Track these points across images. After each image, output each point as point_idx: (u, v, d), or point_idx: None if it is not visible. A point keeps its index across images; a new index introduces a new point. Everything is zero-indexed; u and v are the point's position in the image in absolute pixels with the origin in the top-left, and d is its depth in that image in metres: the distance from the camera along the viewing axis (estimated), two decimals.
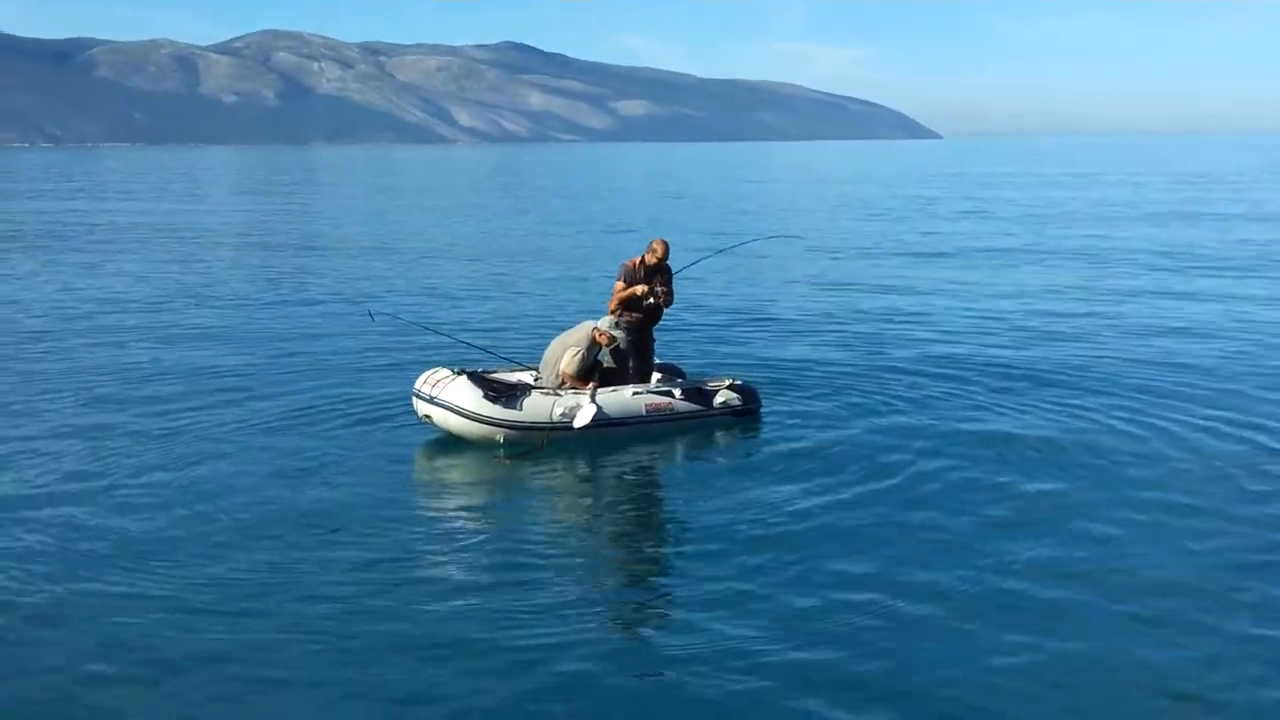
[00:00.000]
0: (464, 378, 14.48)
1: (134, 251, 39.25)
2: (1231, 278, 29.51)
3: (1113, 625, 9.11)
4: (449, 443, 14.52)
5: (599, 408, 14.42)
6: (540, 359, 15.37)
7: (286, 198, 77.47)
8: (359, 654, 8.70)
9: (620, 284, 15.36)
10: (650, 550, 11.40)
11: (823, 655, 8.62)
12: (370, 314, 18.74)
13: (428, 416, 14.56)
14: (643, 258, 15.42)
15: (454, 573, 10.37)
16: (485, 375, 14.99)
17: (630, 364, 15.49)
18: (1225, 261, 33.12)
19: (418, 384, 14.78)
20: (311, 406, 16.39)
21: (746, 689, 8.15)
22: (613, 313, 15.28)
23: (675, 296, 15.82)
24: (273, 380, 18.31)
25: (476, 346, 16.86)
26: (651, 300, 15.23)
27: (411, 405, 14.86)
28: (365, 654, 8.69)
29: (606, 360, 15.49)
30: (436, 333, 17.92)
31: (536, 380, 15.09)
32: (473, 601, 9.65)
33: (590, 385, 14.71)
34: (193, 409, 16.26)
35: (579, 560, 10.86)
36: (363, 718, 7.92)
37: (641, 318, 15.39)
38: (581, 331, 15.06)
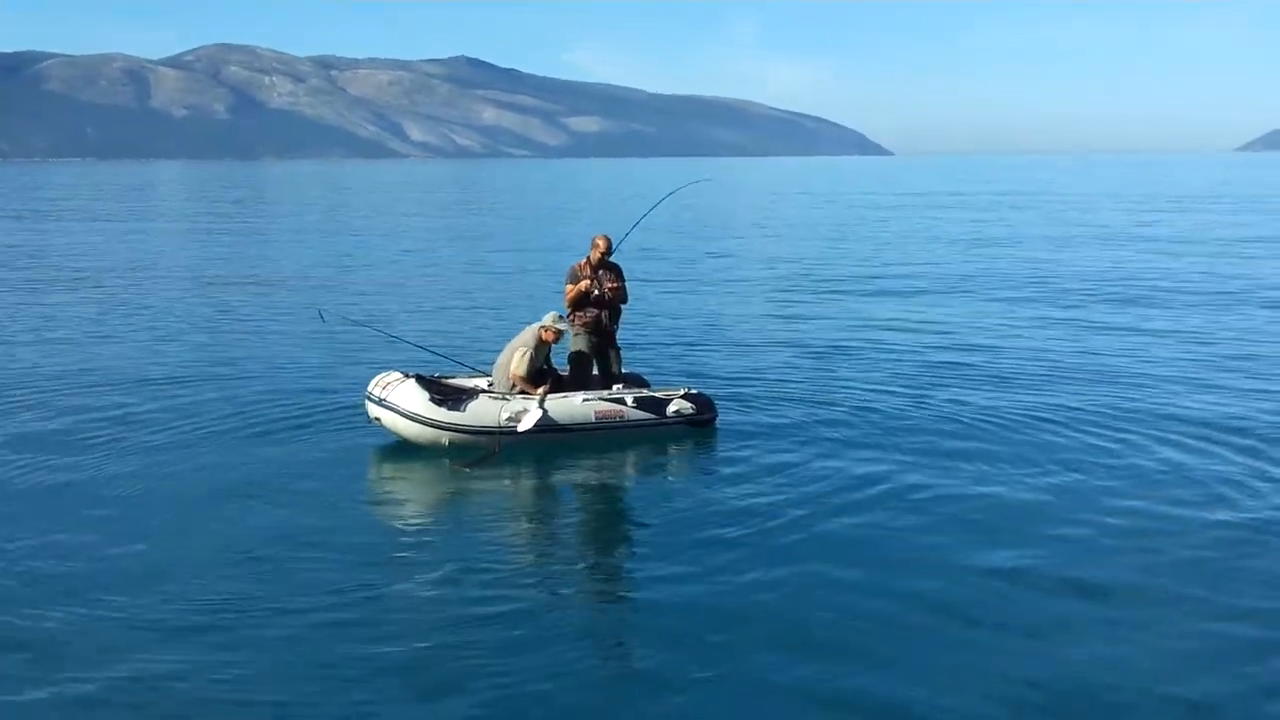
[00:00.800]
0: (412, 381, 14.41)
1: (83, 269, 38.71)
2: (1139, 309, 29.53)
3: (1072, 628, 9.02)
4: (401, 447, 14.36)
5: (545, 412, 14.22)
6: (494, 366, 15.18)
7: (238, 214, 76.88)
8: (310, 669, 8.43)
9: (569, 285, 15.26)
10: (599, 558, 11.21)
11: (773, 662, 8.48)
12: (320, 314, 18.66)
13: (378, 419, 14.44)
14: (588, 257, 15.38)
15: (404, 582, 10.10)
16: (438, 380, 14.89)
17: (592, 369, 15.39)
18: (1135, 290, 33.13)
19: (369, 386, 14.68)
20: (262, 410, 16.23)
21: (698, 696, 8.01)
22: (569, 316, 15.09)
23: (630, 295, 15.77)
24: (225, 385, 18.09)
25: (429, 350, 16.62)
26: (595, 292, 15.15)
27: (364, 408, 14.70)
28: (317, 669, 8.42)
29: (565, 367, 15.37)
30: (389, 336, 17.81)
31: (490, 387, 14.89)
32: (424, 612, 9.44)
33: (540, 389, 14.48)
34: (142, 418, 15.92)
35: (527, 568, 10.66)
36: None
37: (597, 316, 15.23)
38: (529, 333, 14.86)
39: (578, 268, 15.36)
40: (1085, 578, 10.07)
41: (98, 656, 8.68)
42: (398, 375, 14.60)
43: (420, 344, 17.14)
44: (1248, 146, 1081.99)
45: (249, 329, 23.67)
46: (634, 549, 11.30)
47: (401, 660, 8.53)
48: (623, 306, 15.65)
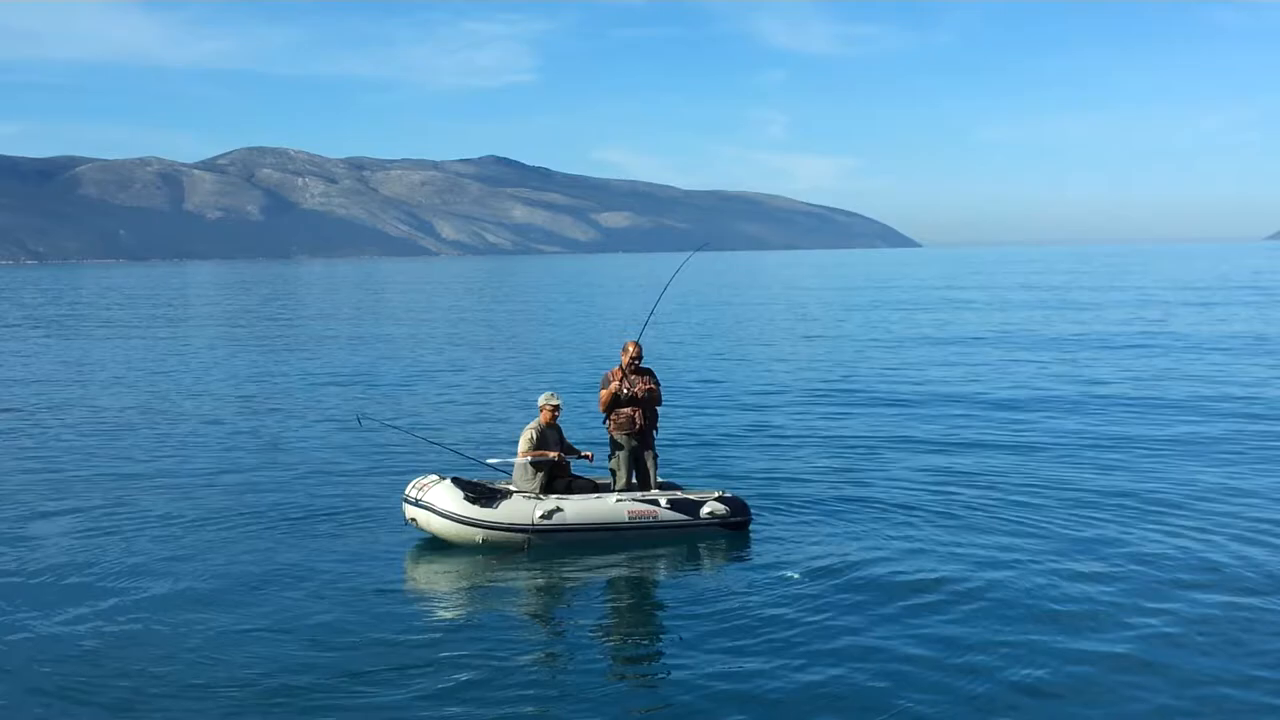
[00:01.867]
0: (448, 482, 14.80)
1: (120, 373, 39.09)
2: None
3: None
4: (435, 546, 14.76)
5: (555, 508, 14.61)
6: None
7: (275, 315, 77.41)
8: None
9: (603, 391, 15.50)
10: (630, 655, 11.36)
11: None
12: (359, 419, 19.11)
13: (414, 519, 14.84)
14: (620, 364, 15.55)
15: (435, 676, 10.33)
16: (474, 483, 15.13)
17: (628, 474, 15.57)
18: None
19: (407, 489, 15.07)
20: (301, 509, 16.78)
21: None
22: (605, 421, 15.49)
23: (664, 397, 16.04)
24: (264, 485, 18.63)
25: (464, 455, 16.96)
26: (625, 391, 15.38)
27: (401, 510, 15.05)
28: None
29: (607, 477, 15.66)
30: (426, 440, 18.06)
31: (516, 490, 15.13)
32: (446, 703, 9.67)
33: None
34: (182, 513, 16.61)
35: (551, 662, 10.93)
36: None
37: (631, 416, 15.40)
38: (528, 427, 15.27)
39: (610, 374, 15.60)
40: (1170, 665, 10.27)
41: None
42: (434, 477, 14.98)
43: (456, 449, 17.40)
44: (1275, 235, 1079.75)
45: (287, 433, 23.99)
46: (662, 648, 11.42)
47: None
48: (659, 409, 15.85)
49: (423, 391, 30.73)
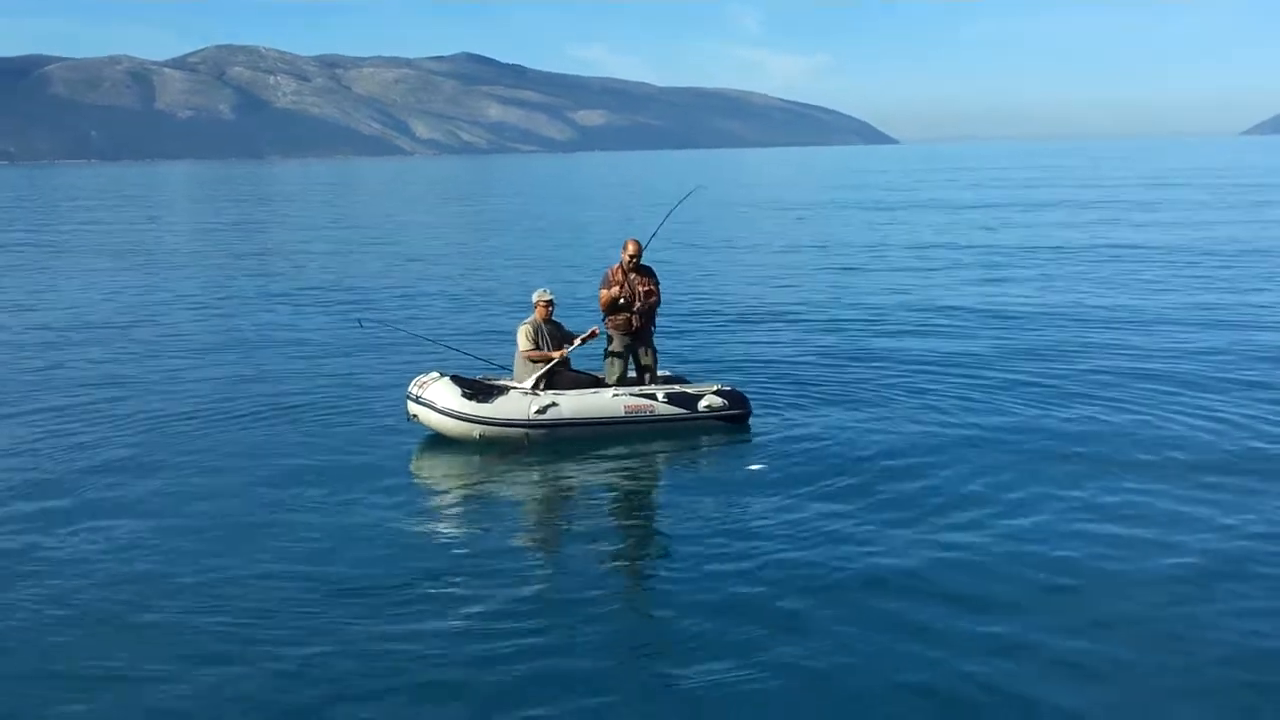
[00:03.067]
0: (446, 379, 15.09)
1: (113, 268, 39.24)
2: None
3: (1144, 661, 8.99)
4: (437, 442, 15.04)
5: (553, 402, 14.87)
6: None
7: (262, 215, 76.93)
8: (346, 660, 8.86)
9: (603, 291, 15.73)
10: (620, 554, 11.54)
11: (810, 663, 8.72)
12: (360, 322, 19.27)
13: (415, 415, 15.14)
14: (620, 263, 15.78)
15: (433, 577, 10.54)
16: (477, 380, 15.46)
17: (623, 370, 15.84)
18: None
19: (410, 386, 15.37)
20: (305, 406, 17.15)
21: (728, 693, 8.29)
22: (604, 320, 15.67)
23: (663, 296, 16.16)
24: (266, 382, 18.99)
25: (464, 353, 17.24)
26: (624, 299, 15.58)
27: (405, 406, 15.33)
28: (351, 659, 8.85)
29: (602, 371, 15.88)
30: (428, 340, 18.33)
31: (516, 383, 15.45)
32: (452, 605, 9.87)
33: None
34: (185, 412, 16.93)
35: (555, 561, 11.18)
36: None
37: (628, 319, 15.66)
38: (524, 322, 15.58)
39: (611, 273, 15.83)
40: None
41: (140, 639, 9.31)
42: (435, 374, 15.30)
43: (456, 347, 17.74)
44: (1253, 130, 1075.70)
45: (290, 336, 24.14)
46: (654, 545, 11.69)
47: (416, 653, 8.91)
48: (658, 309, 16.08)
49: (421, 294, 30.88)
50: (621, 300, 15.63)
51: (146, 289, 33.07)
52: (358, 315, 20.88)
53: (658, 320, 16.32)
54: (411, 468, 14.40)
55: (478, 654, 8.85)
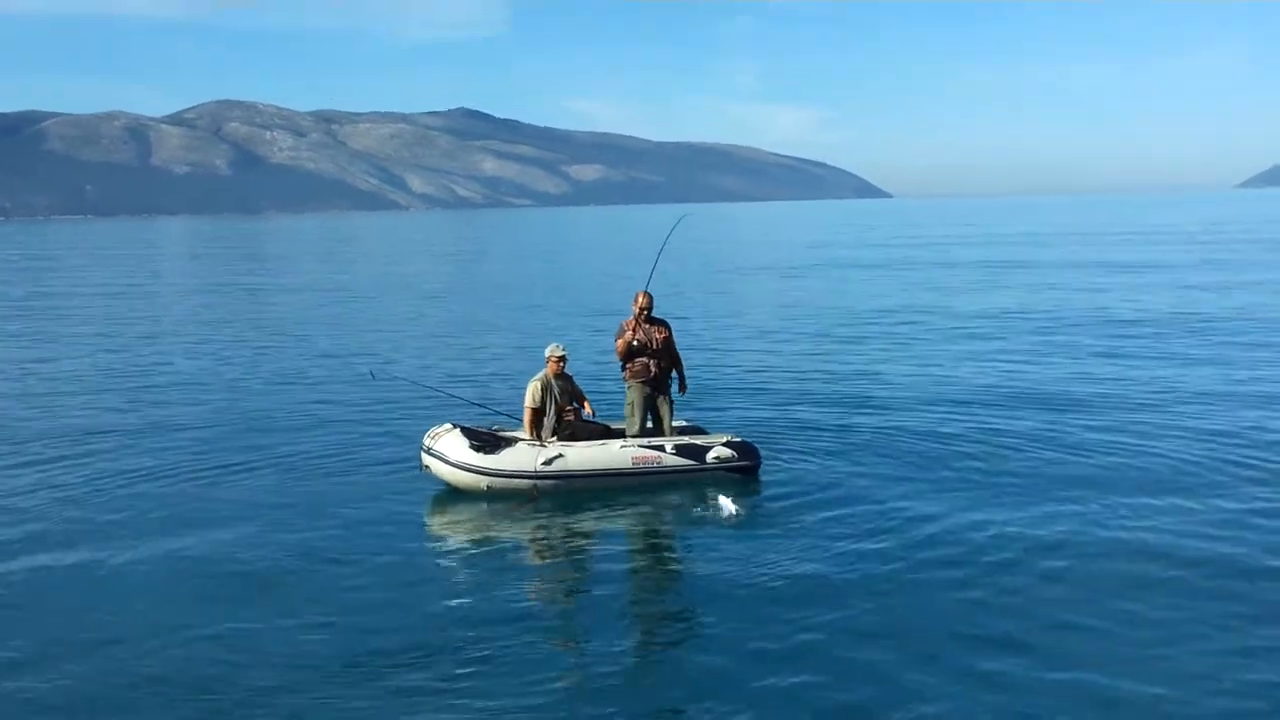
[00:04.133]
0: (457, 431, 15.05)
1: (112, 327, 39.00)
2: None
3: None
4: (449, 494, 14.94)
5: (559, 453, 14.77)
6: None
7: (260, 271, 77.12)
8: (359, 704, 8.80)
9: (618, 341, 15.71)
10: (637, 600, 11.43)
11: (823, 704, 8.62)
12: (371, 374, 19.39)
13: (427, 467, 15.10)
14: (633, 315, 15.74)
15: (441, 629, 10.40)
16: (491, 431, 15.46)
17: (642, 420, 15.73)
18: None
19: (424, 438, 15.35)
20: (318, 458, 17.12)
21: None
22: (623, 370, 15.72)
23: (680, 345, 16.15)
24: (279, 435, 18.94)
25: (478, 404, 17.31)
26: (636, 342, 15.52)
27: (419, 458, 15.34)
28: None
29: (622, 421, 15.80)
30: (440, 392, 18.45)
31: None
32: (461, 659, 9.71)
33: (536, 429, 15.21)
34: (191, 465, 16.83)
35: (551, 609, 11.03)
36: None
37: (646, 364, 15.60)
38: (534, 378, 15.48)
39: (624, 324, 15.76)
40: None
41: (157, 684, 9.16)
42: (448, 426, 15.25)
43: (472, 399, 17.74)
44: (1248, 183, 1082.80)
45: (300, 388, 24.12)
46: (662, 595, 11.49)
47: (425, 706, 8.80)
48: (680, 360, 16.02)
49: (430, 346, 30.84)
50: (635, 343, 15.54)
51: (152, 343, 32.83)
52: (369, 368, 20.83)
53: (688, 381, 16.35)
54: (424, 520, 14.22)
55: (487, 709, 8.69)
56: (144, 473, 16.29)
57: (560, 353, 15.53)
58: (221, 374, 26.33)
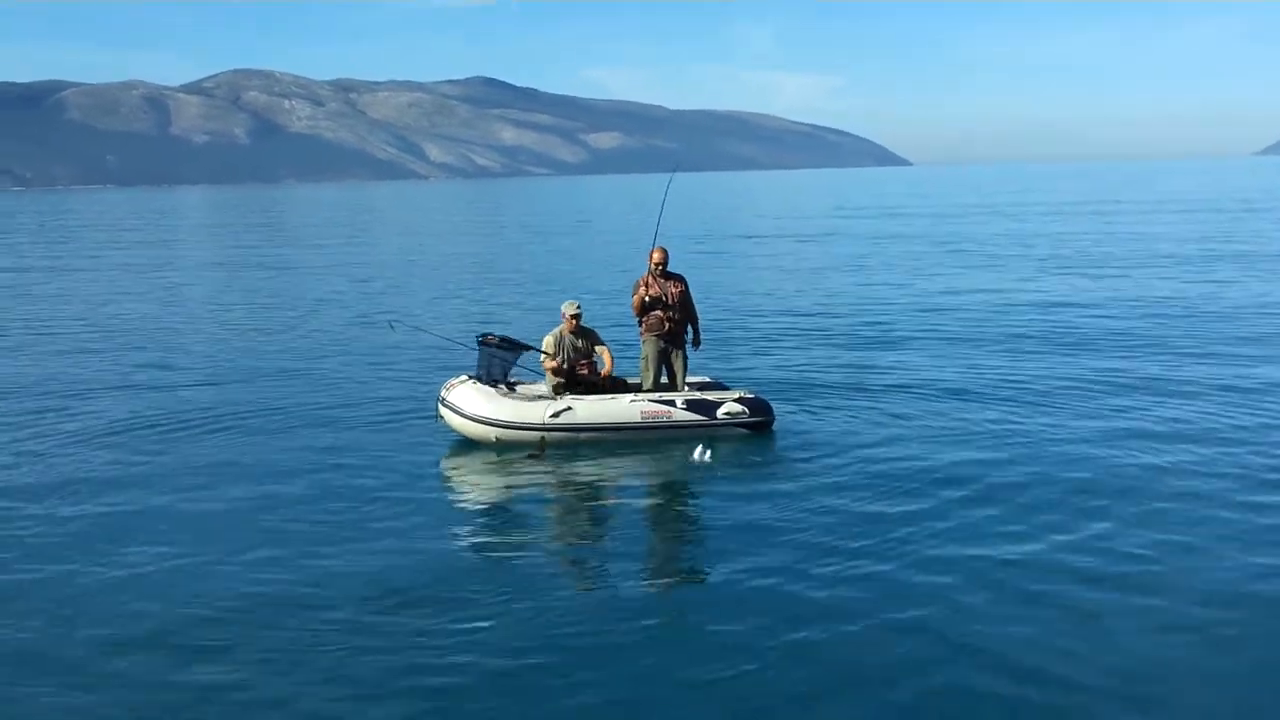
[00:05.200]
0: (471, 382, 15.31)
1: (143, 282, 39.24)
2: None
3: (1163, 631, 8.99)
4: (466, 444, 15.18)
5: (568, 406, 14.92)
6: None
7: (283, 238, 77.17)
8: (369, 650, 8.86)
9: (634, 296, 15.80)
10: (646, 554, 11.47)
11: (833, 660, 8.60)
12: (391, 324, 19.66)
13: (442, 417, 15.36)
14: (649, 270, 15.83)
15: (452, 579, 10.42)
16: (496, 383, 15.58)
17: (656, 375, 15.84)
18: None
19: (441, 389, 15.63)
20: (337, 407, 17.61)
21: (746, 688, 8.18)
22: (640, 325, 15.85)
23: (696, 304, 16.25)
24: (301, 386, 19.51)
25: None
26: (650, 297, 15.63)
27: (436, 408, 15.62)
28: (377, 661, 8.75)
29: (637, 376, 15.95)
30: (457, 343, 18.44)
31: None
32: (470, 608, 9.73)
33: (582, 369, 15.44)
34: (223, 414, 17.31)
35: (563, 560, 11.07)
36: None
37: (661, 319, 15.67)
38: (551, 333, 15.67)
39: (641, 279, 15.84)
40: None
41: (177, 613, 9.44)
42: (464, 377, 15.50)
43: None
44: (1270, 150, 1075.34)
45: (321, 341, 24.72)
46: (664, 557, 11.47)
47: (438, 656, 8.79)
48: (694, 317, 16.10)
49: (451, 299, 31.53)
50: (648, 299, 15.62)
51: (178, 300, 33.60)
52: (389, 319, 21.12)
53: (704, 338, 16.46)
54: (435, 470, 14.37)
55: (501, 658, 8.72)
56: (152, 426, 16.57)
57: (574, 310, 15.62)
58: (245, 331, 26.85)
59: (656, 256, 15.80)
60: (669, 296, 15.67)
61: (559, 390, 15.33)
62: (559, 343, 15.50)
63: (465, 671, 8.47)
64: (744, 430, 15.21)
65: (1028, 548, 10.83)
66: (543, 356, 15.52)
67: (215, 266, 48.87)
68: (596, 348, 15.80)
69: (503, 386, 15.56)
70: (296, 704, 8.09)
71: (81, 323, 28.72)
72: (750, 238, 58.75)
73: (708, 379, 16.37)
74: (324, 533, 11.67)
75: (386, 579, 10.32)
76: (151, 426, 16.49)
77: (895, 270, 38.35)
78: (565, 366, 15.44)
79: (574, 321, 15.59)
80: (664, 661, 8.60)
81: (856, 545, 10.95)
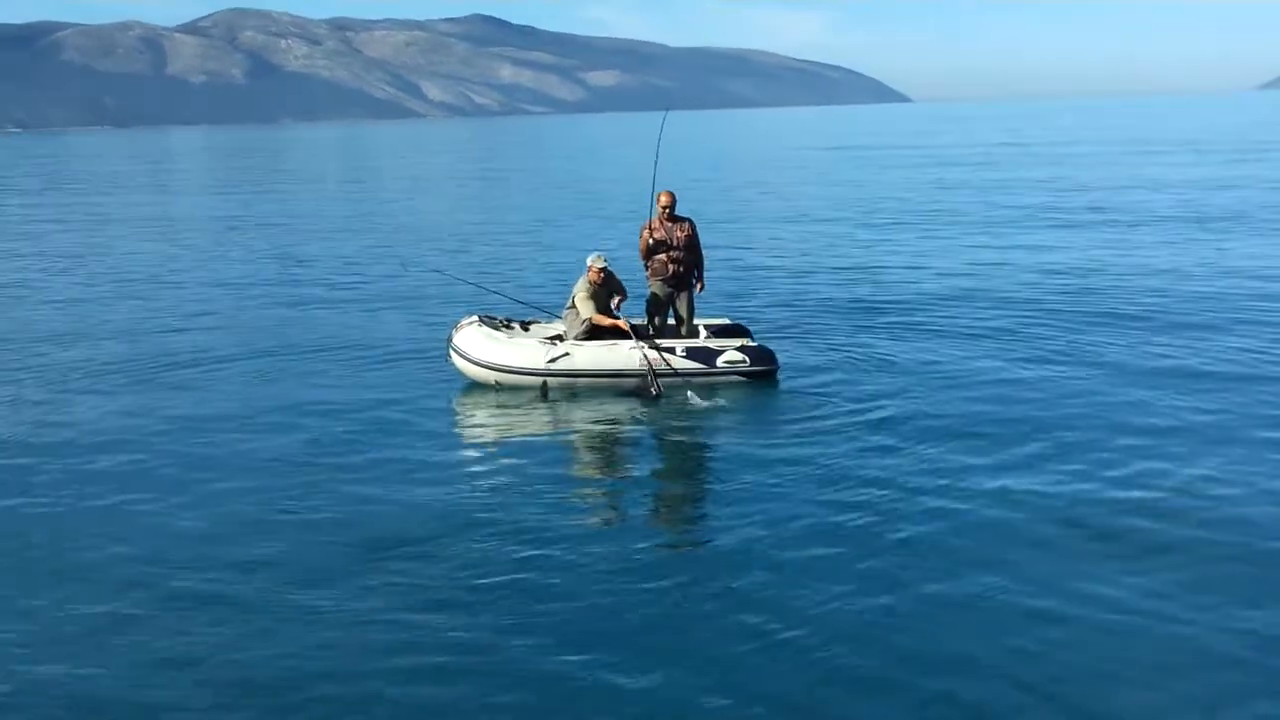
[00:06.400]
0: (475, 324, 15.27)
1: (147, 230, 38.98)
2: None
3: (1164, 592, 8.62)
4: (469, 387, 15.09)
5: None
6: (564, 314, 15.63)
7: (288, 177, 76.98)
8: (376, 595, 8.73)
9: (640, 240, 15.51)
10: (656, 504, 11.21)
11: (837, 616, 8.31)
12: (403, 264, 19.58)
13: (449, 358, 15.27)
14: (656, 214, 15.53)
15: (460, 529, 10.15)
16: (521, 323, 15.76)
17: (664, 320, 15.65)
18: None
19: (451, 329, 15.62)
20: (350, 347, 17.63)
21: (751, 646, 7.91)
22: (646, 268, 15.57)
23: (703, 248, 15.90)
24: (310, 324, 19.69)
25: (505, 296, 17.63)
26: (654, 240, 15.34)
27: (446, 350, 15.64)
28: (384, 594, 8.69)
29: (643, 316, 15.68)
30: (468, 283, 18.71)
31: (563, 334, 15.29)
32: (477, 549, 9.60)
33: (622, 322, 15.05)
34: (225, 355, 17.38)
35: (577, 510, 10.73)
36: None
37: (665, 262, 15.38)
38: (580, 282, 15.22)
39: (648, 225, 15.51)
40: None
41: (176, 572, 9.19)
42: (471, 319, 15.45)
43: (500, 291, 18.07)
44: (1269, 85, 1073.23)
45: (332, 280, 24.67)
46: (660, 506, 11.19)
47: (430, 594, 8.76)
48: (699, 260, 15.77)
49: (463, 243, 31.11)
50: (652, 241, 15.35)
51: (186, 247, 33.12)
52: (400, 260, 20.99)
53: (707, 278, 16.12)
54: (442, 412, 14.22)
55: (509, 614, 8.47)
56: (167, 368, 16.68)
57: (601, 264, 15.16)
58: (256, 271, 26.83)
59: (664, 200, 15.46)
60: (675, 240, 15.34)
61: (584, 336, 15.00)
62: (593, 296, 15.10)
63: (465, 633, 8.22)
64: (747, 379, 14.81)
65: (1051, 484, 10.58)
66: (577, 314, 15.05)
67: (226, 203, 48.72)
68: (614, 297, 15.47)
69: (516, 326, 15.54)
70: (290, 664, 7.87)
71: (105, 271, 28.27)
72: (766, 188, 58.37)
73: (727, 321, 16.08)
74: (320, 482, 11.50)
75: (377, 531, 10.12)
76: (165, 367, 16.65)
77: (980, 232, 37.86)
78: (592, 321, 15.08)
79: (600, 275, 15.19)
80: (659, 620, 8.37)
81: (844, 498, 10.64)
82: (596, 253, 15.40)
